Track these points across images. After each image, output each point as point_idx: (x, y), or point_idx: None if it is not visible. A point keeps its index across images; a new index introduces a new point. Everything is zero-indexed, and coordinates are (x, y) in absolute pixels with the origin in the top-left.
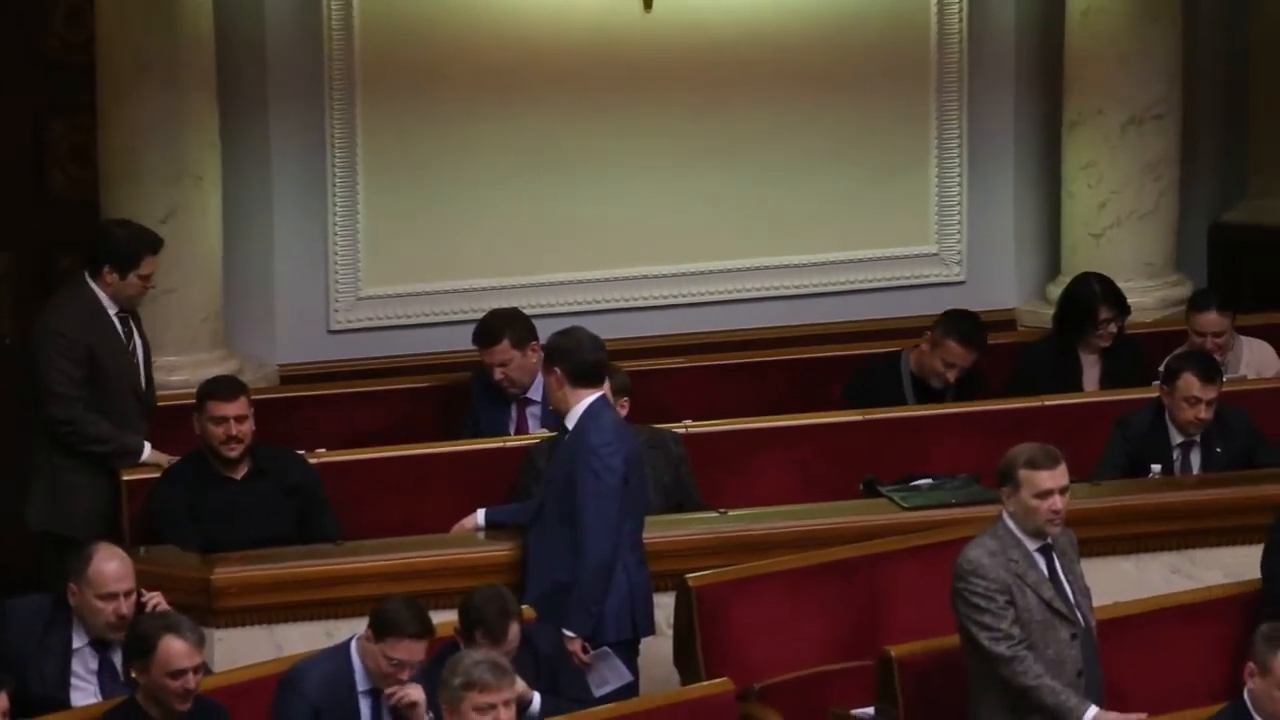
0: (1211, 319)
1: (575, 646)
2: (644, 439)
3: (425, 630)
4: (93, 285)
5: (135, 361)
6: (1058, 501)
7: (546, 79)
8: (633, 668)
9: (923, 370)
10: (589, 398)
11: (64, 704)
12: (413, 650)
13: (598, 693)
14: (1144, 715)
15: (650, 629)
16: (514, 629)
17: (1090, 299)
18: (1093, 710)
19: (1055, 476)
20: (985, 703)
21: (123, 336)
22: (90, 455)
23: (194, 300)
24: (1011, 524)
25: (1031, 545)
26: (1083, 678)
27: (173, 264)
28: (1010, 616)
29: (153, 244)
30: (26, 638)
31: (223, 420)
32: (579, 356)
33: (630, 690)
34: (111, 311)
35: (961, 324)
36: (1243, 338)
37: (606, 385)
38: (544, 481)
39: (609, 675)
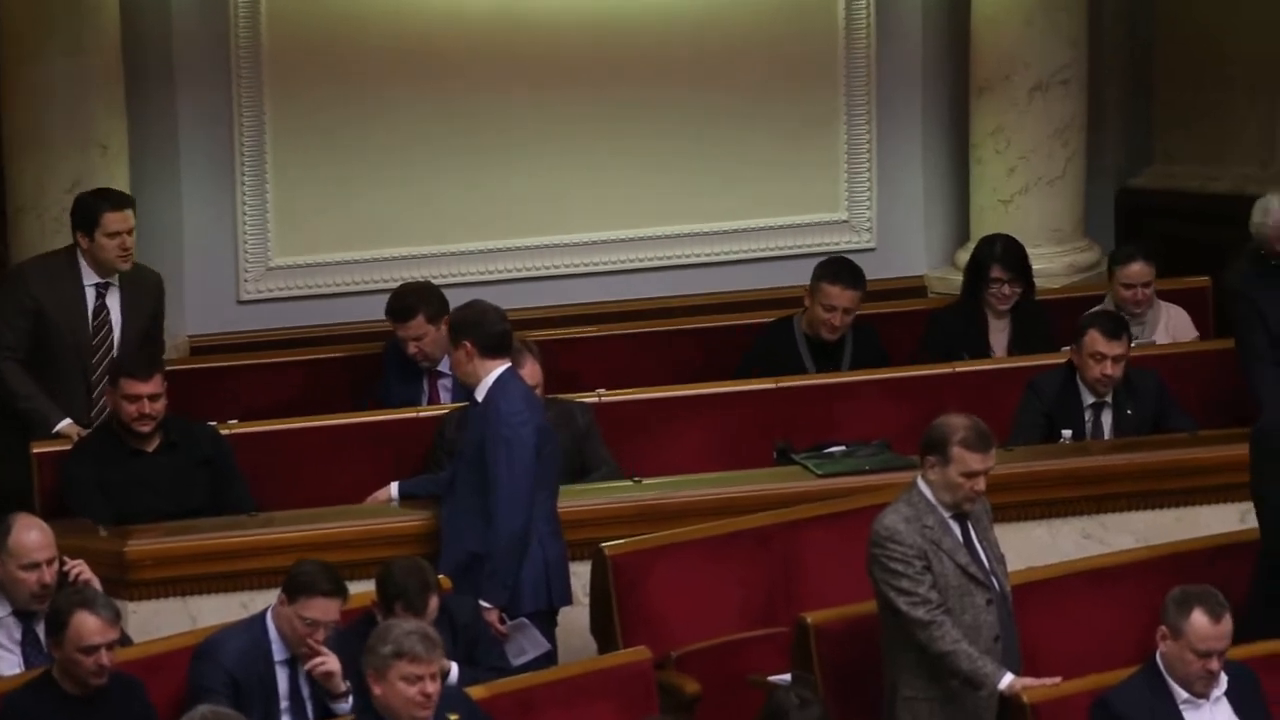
0: (1137, 270)
1: (492, 617)
2: (551, 413)
3: (338, 589)
4: (77, 253)
5: (102, 333)
6: (981, 483)
7: (455, 48)
8: (550, 637)
9: (813, 328)
10: (497, 369)
11: None
12: (326, 609)
13: (516, 662)
14: (1058, 679)
15: (566, 599)
16: (434, 601)
17: (987, 257)
18: (1008, 677)
19: (986, 460)
20: (902, 667)
21: (90, 307)
22: (4, 408)
23: None
24: (927, 491)
25: (946, 512)
26: (999, 643)
27: None
28: (928, 581)
29: (113, 201)
30: None
31: (136, 399)
32: (487, 328)
33: (549, 660)
34: (88, 281)
35: (829, 266)
36: (1161, 302)
37: (531, 362)
38: (456, 453)
39: (526, 645)
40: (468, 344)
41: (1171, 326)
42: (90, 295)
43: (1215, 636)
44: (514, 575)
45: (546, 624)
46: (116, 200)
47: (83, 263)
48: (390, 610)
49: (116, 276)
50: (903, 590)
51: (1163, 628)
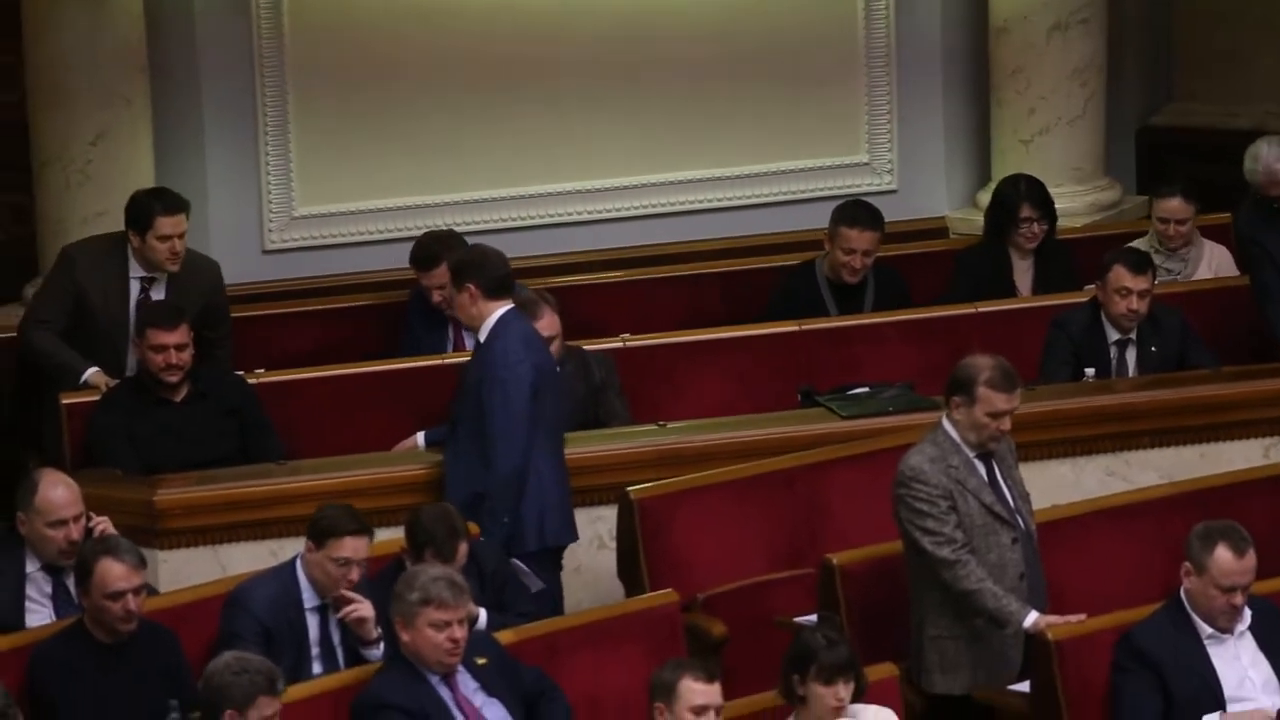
0: (1175, 205)
1: None
2: (570, 364)
3: (364, 527)
4: (127, 246)
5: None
6: (1007, 423)
7: (471, 3)
8: (555, 578)
9: (834, 271)
10: (499, 309)
11: (18, 627)
12: (356, 547)
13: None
14: (1082, 616)
15: (568, 538)
16: (462, 548)
17: (1014, 197)
18: (1033, 615)
19: (1011, 400)
20: (928, 606)
21: (132, 300)
22: (34, 368)
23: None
24: (952, 431)
25: (971, 452)
26: (1024, 580)
27: (104, 187)
28: (953, 521)
29: (167, 204)
30: None
31: (162, 349)
32: (491, 271)
33: (549, 599)
34: (134, 274)
35: (849, 210)
36: (1206, 241)
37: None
38: (457, 396)
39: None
40: (471, 286)
41: (1215, 264)
42: (134, 288)
43: (1239, 571)
44: (510, 513)
45: (552, 564)
46: (170, 203)
47: (131, 257)
48: (420, 556)
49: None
50: (928, 530)
51: (1186, 564)
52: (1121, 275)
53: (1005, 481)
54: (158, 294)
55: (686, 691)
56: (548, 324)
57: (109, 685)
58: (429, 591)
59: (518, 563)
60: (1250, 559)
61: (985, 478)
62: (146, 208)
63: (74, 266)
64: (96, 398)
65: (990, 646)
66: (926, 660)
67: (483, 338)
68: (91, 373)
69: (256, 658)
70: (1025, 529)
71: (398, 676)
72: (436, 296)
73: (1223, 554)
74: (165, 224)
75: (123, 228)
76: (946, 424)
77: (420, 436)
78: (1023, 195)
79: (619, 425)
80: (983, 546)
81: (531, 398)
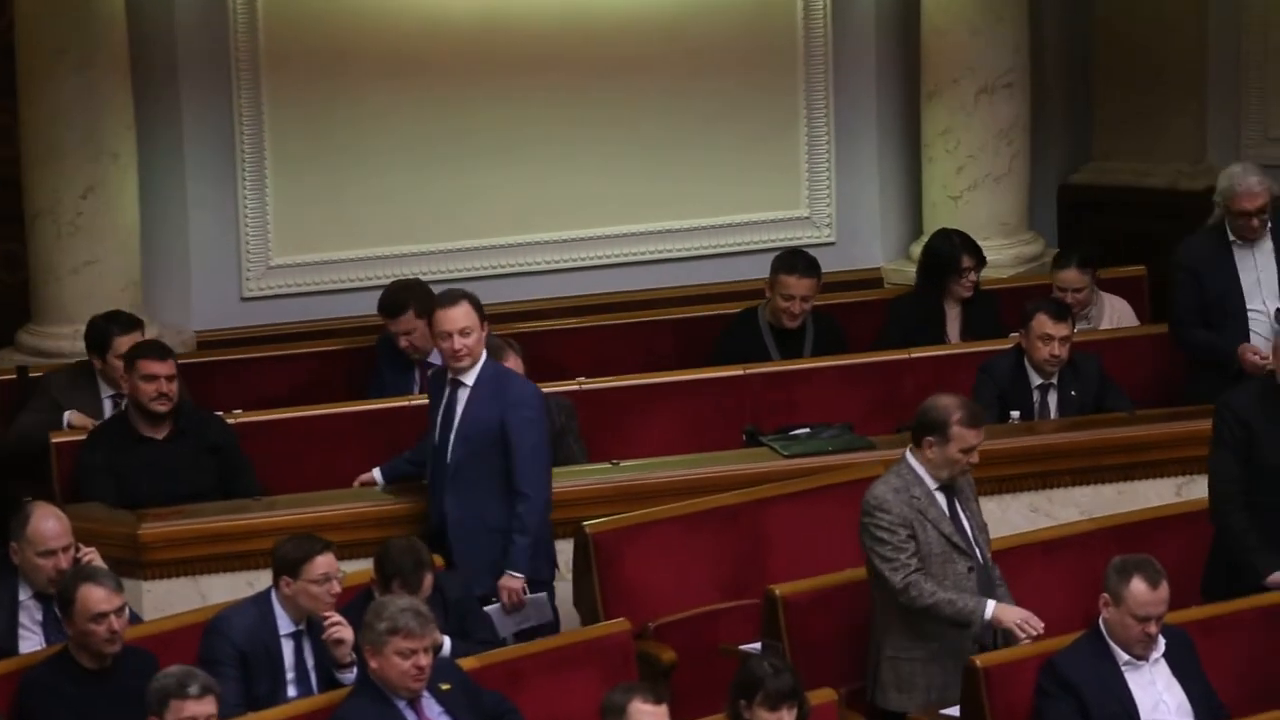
0: (1070, 276)
1: (517, 585)
2: None
3: (326, 544)
4: (94, 371)
5: None
6: (975, 457)
7: (441, 59)
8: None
9: (775, 317)
10: (484, 354)
11: (13, 652)
12: (328, 562)
13: (517, 629)
14: (1029, 617)
15: (555, 570)
16: (428, 579)
17: (952, 250)
18: (990, 605)
19: (980, 435)
20: (887, 628)
21: (102, 409)
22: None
23: (114, 271)
24: (916, 465)
25: (933, 485)
26: None
27: (93, 237)
28: (910, 549)
29: (123, 324)
30: None
31: (154, 378)
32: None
33: (551, 629)
34: (105, 394)
35: (785, 258)
36: (1105, 295)
37: (514, 357)
38: (456, 437)
39: (533, 615)
40: (485, 328)
41: (1115, 317)
42: (108, 406)
43: (1153, 602)
44: (549, 545)
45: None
46: (125, 323)
47: (98, 378)
48: (388, 587)
49: None
50: (884, 557)
51: (1105, 595)
52: (1044, 323)
53: (964, 513)
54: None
55: (636, 713)
56: (513, 365)
57: (94, 709)
58: (396, 621)
59: (544, 595)
60: (1164, 590)
61: (945, 509)
62: (102, 329)
63: (50, 387)
64: (83, 436)
65: (945, 667)
66: (883, 678)
67: (471, 380)
68: (71, 414)
69: (182, 667)
70: (981, 559)
71: (366, 701)
72: (403, 341)
73: (1138, 586)
74: (123, 343)
75: (108, 284)
76: (910, 458)
77: (376, 472)
78: (960, 248)
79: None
80: (940, 574)
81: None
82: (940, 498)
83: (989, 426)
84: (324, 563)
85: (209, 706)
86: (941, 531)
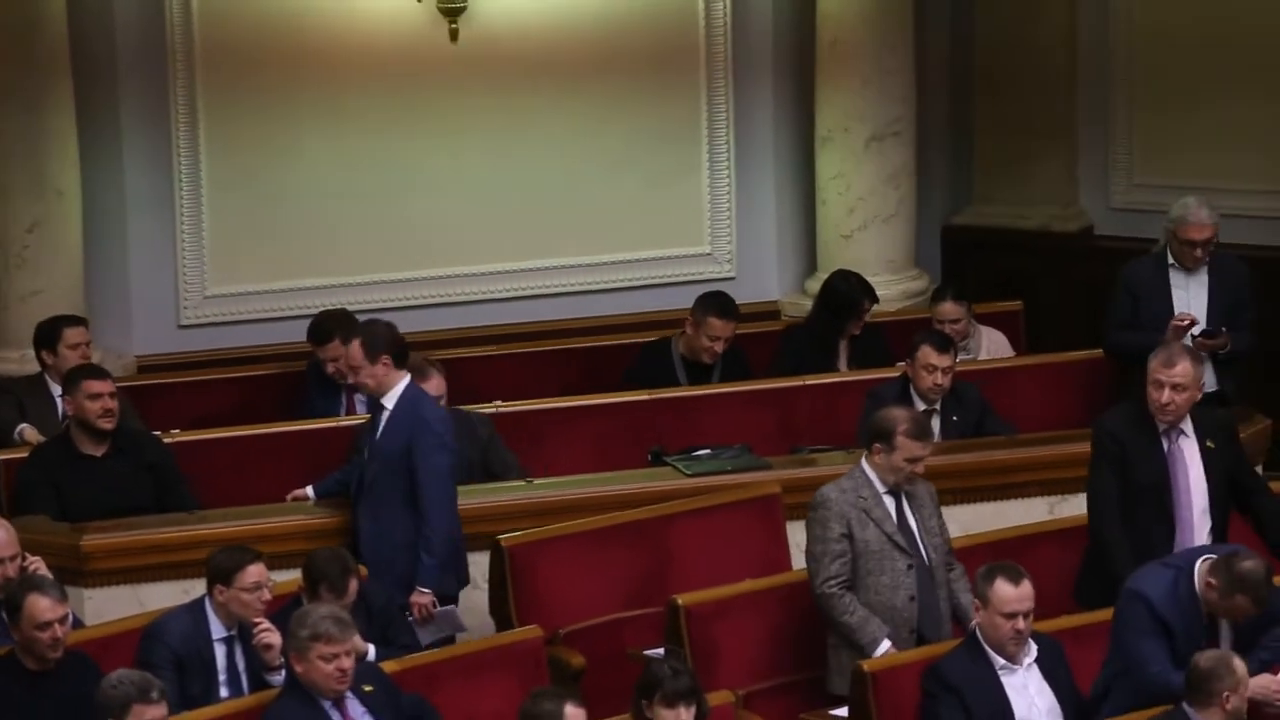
0: (947, 308)
1: (425, 601)
2: (454, 423)
3: (257, 554)
4: (44, 375)
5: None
6: (920, 466)
7: (366, 103)
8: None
9: (691, 351)
10: (404, 379)
11: None
12: (259, 571)
13: (427, 641)
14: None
15: (465, 582)
16: (353, 584)
17: (851, 292)
18: (884, 645)
19: (925, 447)
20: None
21: (57, 410)
22: None
23: (58, 300)
24: (868, 470)
25: (881, 489)
26: (914, 601)
27: (39, 269)
28: (842, 558)
29: (68, 319)
30: None
31: (99, 396)
32: (397, 344)
33: (450, 640)
34: (58, 393)
35: (716, 301)
36: (982, 328)
37: (436, 377)
38: (370, 455)
39: (445, 627)
40: (385, 358)
41: (991, 348)
42: (61, 405)
43: (1017, 599)
44: (453, 562)
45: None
46: (70, 319)
47: (48, 378)
48: (315, 593)
49: None
50: (814, 555)
51: (975, 600)
52: (928, 354)
53: (914, 517)
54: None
55: (571, 717)
56: (434, 385)
57: (38, 709)
58: (318, 628)
59: (454, 608)
60: (1026, 588)
61: (892, 512)
62: (50, 326)
63: (11, 386)
64: (25, 454)
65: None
66: (830, 665)
67: (391, 404)
68: (24, 428)
69: (136, 673)
70: (925, 559)
71: (294, 702)
72: (330, 367)
73: (1001, 586)
74: (71, 334)
75: (53, 313)
76: (865, 464)
77: (310, 489)
78: (859, 291)
79: (512, 472)
80: (876, 569)
81: (456, 462)
82: (888, 500)
83: None
84: (255, 572)
85: (163, 710)
86: (884, 531)
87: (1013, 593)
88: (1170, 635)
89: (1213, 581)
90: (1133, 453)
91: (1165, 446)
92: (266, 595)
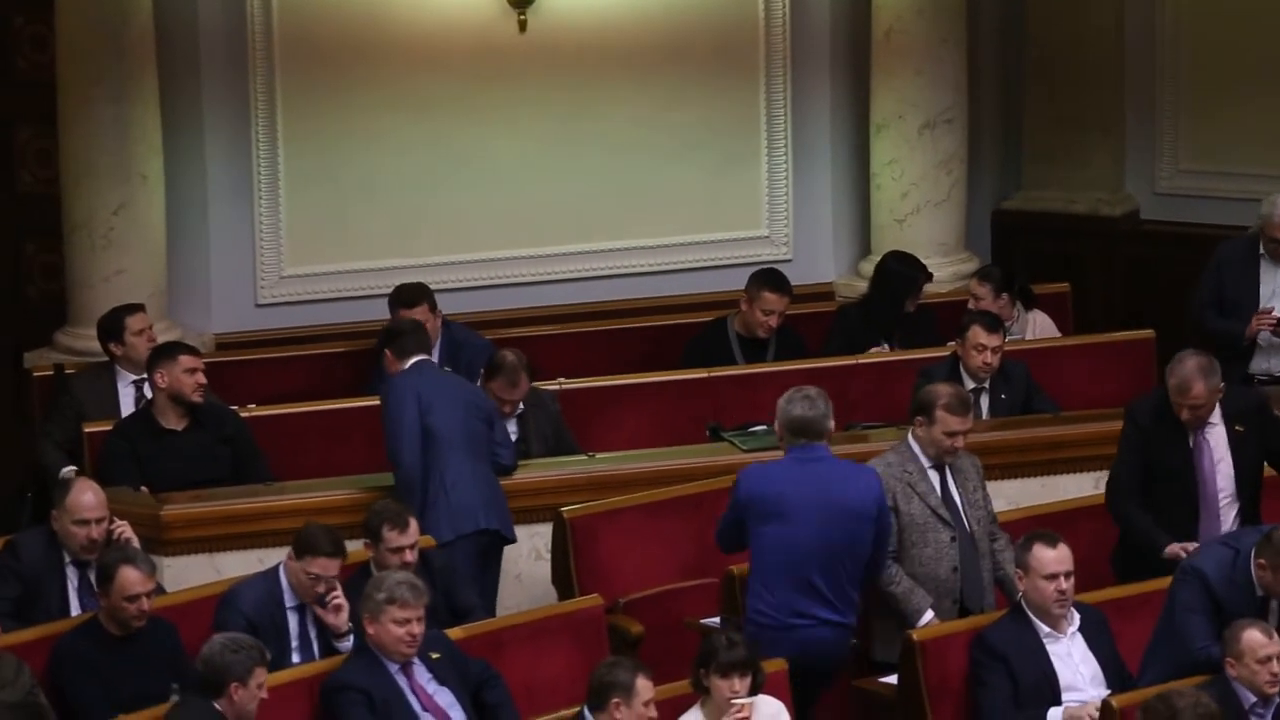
0: (971, 285)
1: None
2: (527, 399)
3: (338, 550)
4: (113, 365)
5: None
6: (960, 441)
7: (438, 92)
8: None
9: (747, 327)
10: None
11: (66, 614)
12: (327, 566)
13: None
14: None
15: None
16: (413, 522)
17: (910, 270)
18: (928, 615)
19: (965, 422)
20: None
21: (119, 400)
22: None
23: (142, 279)
24: (914, 445)
25: (926, 462)
26: (957, 573)
27: (123, 249)
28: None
29: (128, 308)
30: (37, 562)
31: (194, 371)
32: (399, 339)
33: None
34: (123, 383)
35: (770, 276)
36: (1029, 312)
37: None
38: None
39: None
40: (389, 352)
41: (1038, 330)
42: (125, 397)
43: (1055, 560)
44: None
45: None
46: (130, 307)
47: (117, 366)
48: (379, 537)
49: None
50: None
51: (1018, 570)
52: (978, 334)
53: (958, 490)
54: (149, 391)
55: (643, 689)
56: (521, 390)
57: (120, 671)
58: (394, 593)
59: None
60: (1064, 550)
61: (936, 485)
62: (114, 317)
63: (73, 388)
64: (109, 428)
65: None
66: (873, 633)
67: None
68: (68, 470)
69: (245, 636)
70: (968, 531)
71: (362, 664)
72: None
73: (1039, 550)
74: (137, 320)
75: (136, 292)
76: (911, 439)
77: None
78: (916, 266)
79: (570, 448)
80: (920, 541)
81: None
82: (933, 474)
83: None
84: (322, 564)
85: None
86: (928, 503)
87: (1051, 554)
88: (1221, 613)
89: (1262, 561)
90: (1156, 440)
91: (1190, 437)
92: (320, 589)
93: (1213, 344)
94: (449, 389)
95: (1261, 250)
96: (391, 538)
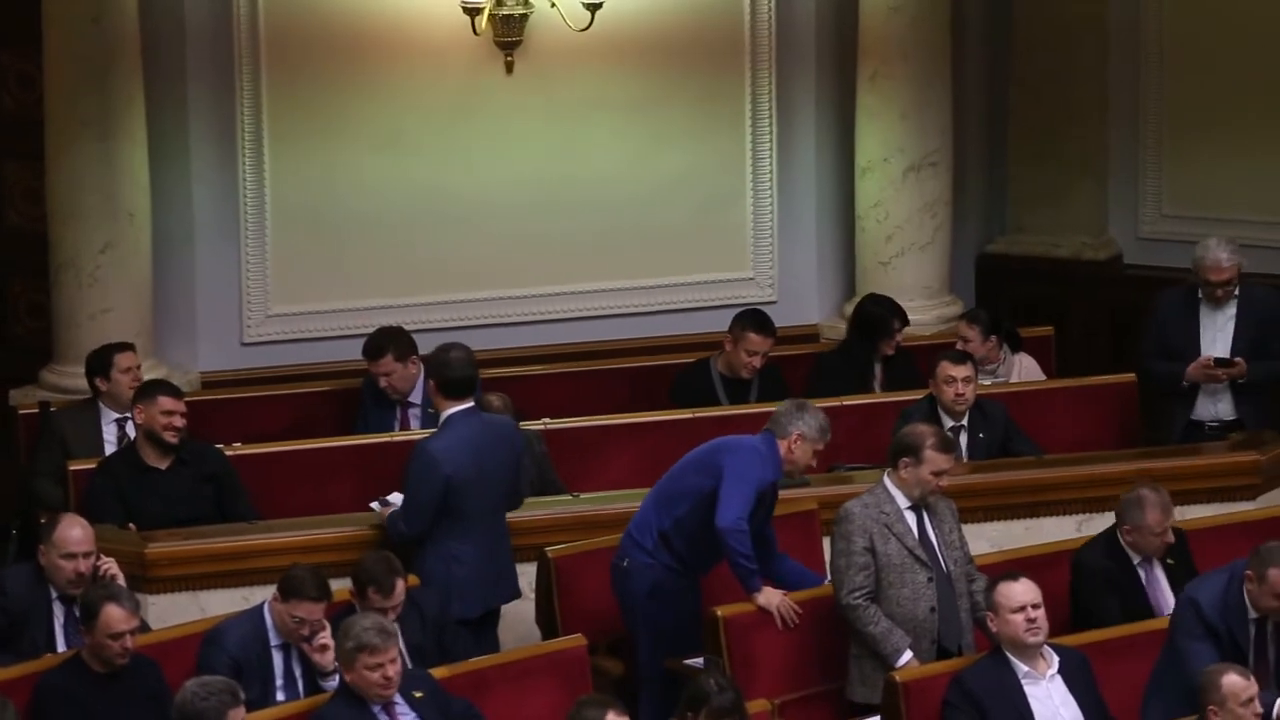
0: (959, 326)
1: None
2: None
3: (323, 594)
4: (97, 401)
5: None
6: (945, 480)
7: (424, 132)
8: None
9: (730, 368)
10: (452, 408)
11: (53, 650)
12: (312, 610)
13: None
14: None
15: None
16: (400, 585)
17: (885, 313)
18: (906, 656)
19: (950, 460)
20: (859, 642)
21: (103, 437)
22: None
23: (128, 318)
24: (891, 486)
25: (904, 504)
26: (935, 613)
27: (110, 288)
28: (866, 569)
29: (116, 345)
30: (24, 597)
31: (171, 413)
32: (446, 373)
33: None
34: (107, 421)
35: (754, 317)
36: (1015, 355)
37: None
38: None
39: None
40: (432, 382)
41: (1023, 372)
42: (109, 434)
43: (1020, 592)
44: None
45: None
46: (118, 345)
47: (101, 404)
48: (364, 594)
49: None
50: (839, 568)
51: (989, 614)
52: (946, 367)
53: (934, 531)
54: (131, 429)
55: None
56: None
57: (103, 709)
58: (361, 639)
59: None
60: (1027, 583)
61: (914, 526)
62: (102, 355)
63: (57, 425)
64: (93, 465)
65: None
66: (850, 674)
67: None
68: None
69: (215, 678)
70: (945, 571)
71: (345, 706)
72: (382, 382)
73: (1003, 586)
74: (126, 358)
75: (123, 330)
76: (886, 480)
77: (375, 504)
78: (891, 310)
79: (555, 488)
80: (898, 581)
81: (439, 496)
82: (910, 515)
83: None
84: (306, 608)
85: (244, 709)
86: (904, 544)
87: (1016, 588)
88: (1218, 637)
89: (1250, 573)
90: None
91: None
92: (305, 631)
93: (1158, 389)
94: (486, 455)
95: (1200, 295)
96: (375, 599)
